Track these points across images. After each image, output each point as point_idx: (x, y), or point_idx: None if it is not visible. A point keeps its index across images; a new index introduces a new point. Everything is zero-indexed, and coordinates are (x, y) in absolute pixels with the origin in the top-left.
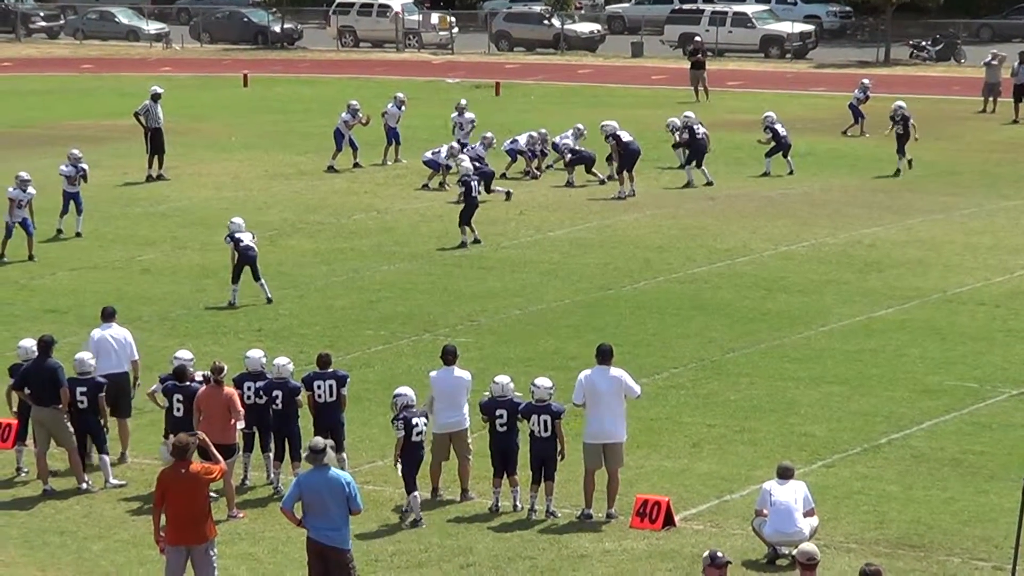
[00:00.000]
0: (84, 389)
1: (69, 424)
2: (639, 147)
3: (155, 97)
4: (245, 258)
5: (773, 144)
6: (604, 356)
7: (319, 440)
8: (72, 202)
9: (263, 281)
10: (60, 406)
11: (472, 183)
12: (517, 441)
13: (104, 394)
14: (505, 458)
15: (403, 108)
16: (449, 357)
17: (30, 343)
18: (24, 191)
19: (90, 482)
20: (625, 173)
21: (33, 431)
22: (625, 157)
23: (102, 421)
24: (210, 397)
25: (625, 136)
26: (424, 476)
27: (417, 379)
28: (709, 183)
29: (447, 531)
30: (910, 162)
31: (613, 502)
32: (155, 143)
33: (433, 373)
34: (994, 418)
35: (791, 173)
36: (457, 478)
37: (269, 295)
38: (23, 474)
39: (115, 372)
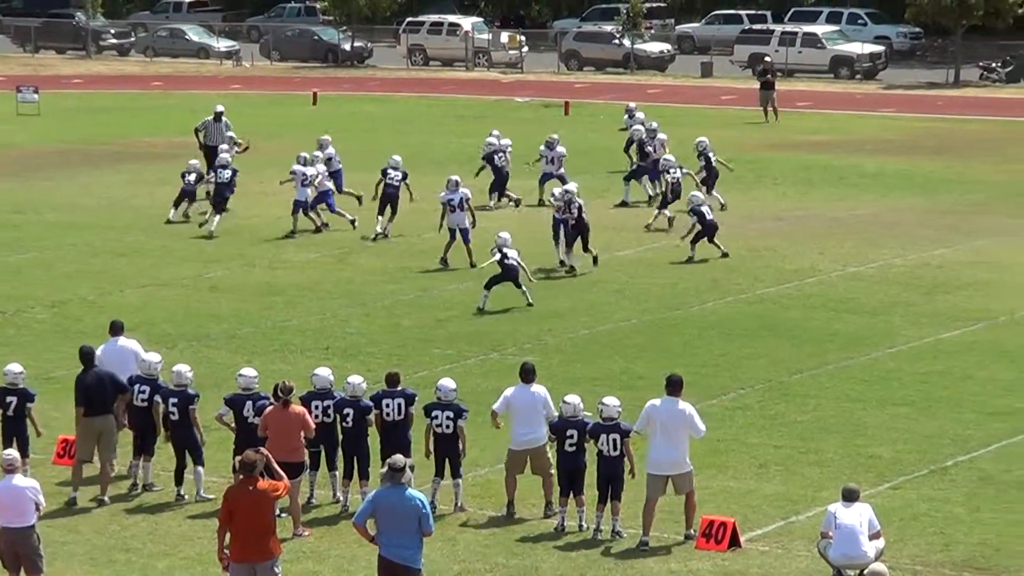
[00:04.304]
0: (175, 400)
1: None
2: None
3: (217, 116)
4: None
5: (636, 168)
6: (674, 387)
7: (400, 458)
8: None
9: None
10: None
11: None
12: (585, 460)
13: (195, 407)
14: (572, 478)
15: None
16: (528, 375)
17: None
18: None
19: (184, 494)
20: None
21: (79, 442)
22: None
23: (198, 434)
24: (278, 416)
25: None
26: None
27: (484, 398)
28: (723, 206)
29: (512, 550)
30: (723, 205)
31: (691, 523)
32: (211, 161)
33: (510, 390)
34: None
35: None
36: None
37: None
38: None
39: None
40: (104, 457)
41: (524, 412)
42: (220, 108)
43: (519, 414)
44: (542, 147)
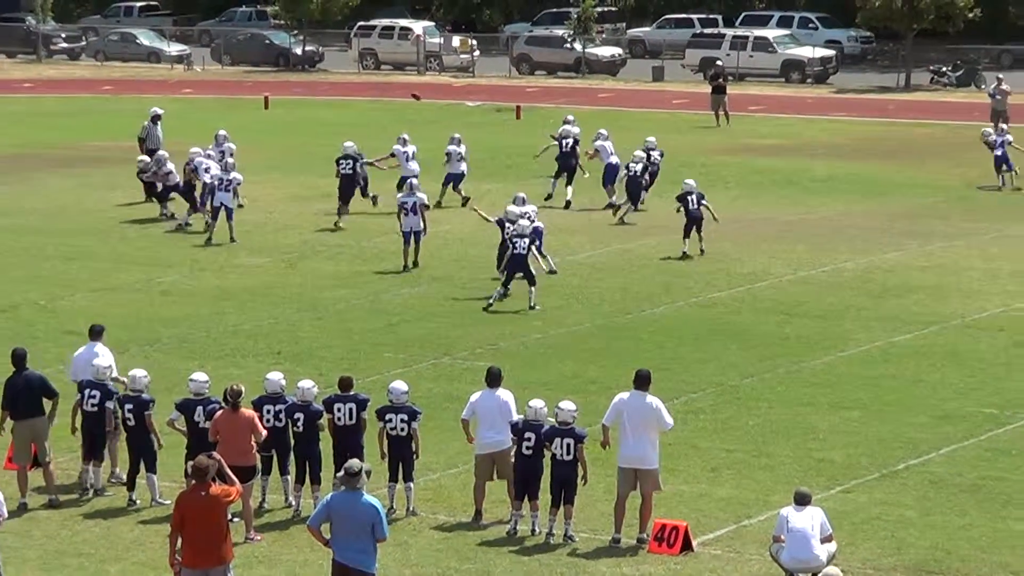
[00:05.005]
0: (131, 406)
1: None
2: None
3: (155, 119)
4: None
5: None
6: (642, 382)
7: (356, 463)
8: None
9: None
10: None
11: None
12: (542, 465)
13: (151, 412)
14: (528, 481)
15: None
16: (495, 379)
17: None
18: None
19: (136, 500)
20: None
21: (15, 447)
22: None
23: (155, 440)
24: (228, 420)
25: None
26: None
27: (436, 402)
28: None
29: (465, 555)
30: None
31: (645, 526)
32: None
33: (475, 395)
34: (1013, 444)
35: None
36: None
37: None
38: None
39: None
40: (42, 459)
41: (489, 416)
42: (158, 111)
43: (485, 418)
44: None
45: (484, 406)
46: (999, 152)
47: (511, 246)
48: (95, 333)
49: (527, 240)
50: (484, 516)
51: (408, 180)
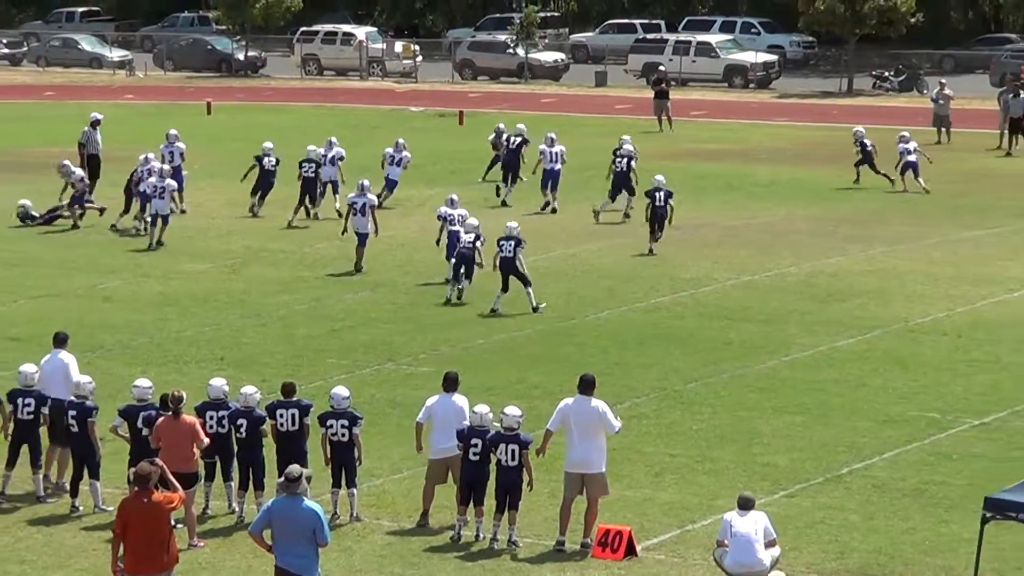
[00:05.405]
0: (74, 412)
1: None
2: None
3: (94, 123)
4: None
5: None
6: (586, 386)
7: (296, 468)
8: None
9: None
10: None
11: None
12: (488, 471)
13: (94, 419)
14: (473, 487)
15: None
16: (451, 384)
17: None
18: None
19: (79, 506)
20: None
21: None
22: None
23: (96, 447)
24: (169, 426)
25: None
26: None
27: (379, 408)
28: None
29: (409, 560)
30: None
31: (589, 531)
32: (92, 169)
33: (431, 400)
34: (955, 448)
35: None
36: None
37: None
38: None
39: (61, 399)
40: None
41: (445, 421)
42: (97, 116)
43: (439, 423)
44: (542, 145)
45: (441, 411)
46: (912, 159)
47: (498, 249)
48: (59, 341)
49: (512, 242)
50: (429, 522)
51: (360, 182)
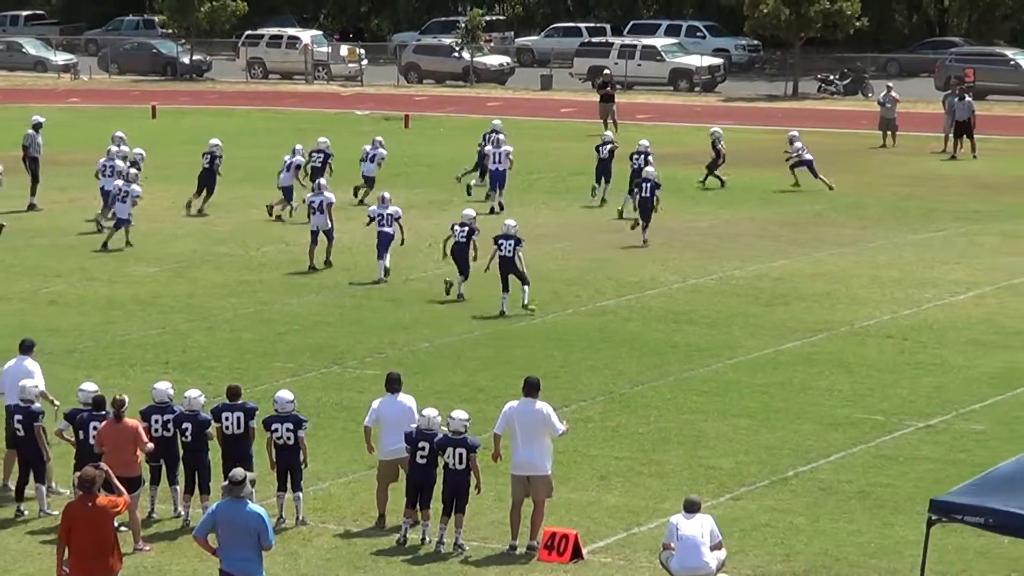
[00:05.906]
0: (20, 417)
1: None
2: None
3: (36, 127)
4: None
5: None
6: (531, 389)
7: (240, 471)
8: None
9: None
10: None
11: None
12: (435, 474)
13: (40, 423)
14: (420, 490)
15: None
16: (394, 384)
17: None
18: None
19: (24, 511)
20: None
21: None
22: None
23: (43, 451)
24: (112, 430)
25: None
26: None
27: (325, 412)
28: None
29: (355, 564)
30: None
31: (536, 533)
32: (33, 172)
33: (377, 402)
34: (900, 451)
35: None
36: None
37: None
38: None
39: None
40: None
41: (393, 422)
42: (39, 119)
43: (388, 424)
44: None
45: (388, 412)
46: (808, 156)
47: (496, 248)
48: (25, 348)
49: (512, 242)
50: (368, 523)
51: (317, 181)
